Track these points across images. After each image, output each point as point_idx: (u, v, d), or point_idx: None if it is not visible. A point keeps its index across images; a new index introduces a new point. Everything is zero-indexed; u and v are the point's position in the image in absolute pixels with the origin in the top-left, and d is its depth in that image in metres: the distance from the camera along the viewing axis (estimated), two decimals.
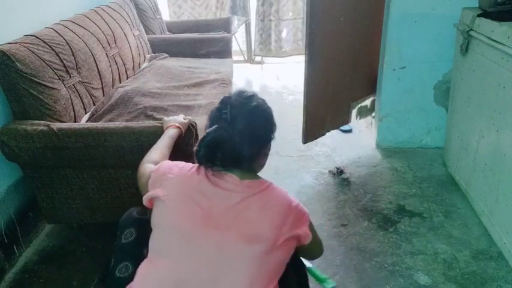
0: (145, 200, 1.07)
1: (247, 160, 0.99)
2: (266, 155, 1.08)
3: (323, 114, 2.42)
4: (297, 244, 1.01)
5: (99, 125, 1.63)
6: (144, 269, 0.97)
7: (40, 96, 1.64)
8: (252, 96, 1.05)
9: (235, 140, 0.97)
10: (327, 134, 2.53)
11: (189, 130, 1.52)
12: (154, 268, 0.94)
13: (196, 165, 1.03)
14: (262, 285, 0.90)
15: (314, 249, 1.12)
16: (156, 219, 1.00)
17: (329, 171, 2.33)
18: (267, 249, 0.91)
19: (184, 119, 1.53)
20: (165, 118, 1.55)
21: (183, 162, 1.10)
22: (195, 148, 1.01)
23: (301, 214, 1.01)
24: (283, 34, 4.17)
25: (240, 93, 1.06)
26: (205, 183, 0.98)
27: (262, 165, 1.09)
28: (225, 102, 1.01)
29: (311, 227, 1.05)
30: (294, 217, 0.98)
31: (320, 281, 1.29)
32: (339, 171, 2.31)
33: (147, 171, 1.15)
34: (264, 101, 1.08)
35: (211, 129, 0.99)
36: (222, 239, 0.91)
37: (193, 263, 0.91)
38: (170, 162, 1.13)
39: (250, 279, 0.89)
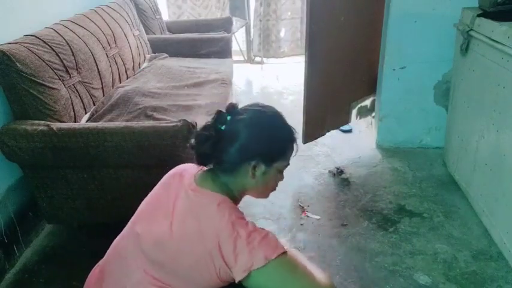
0: None
1: (221, 166, 0.97)
2: (248, 175, 0.97)
3: (323, 114, 2.42)
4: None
5: (99, 125, 1.63)
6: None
7: (40, 96, 1.64)
8: (264, 112, 1.00)
9: (215, 140, 0.95)
10: (327, 134, 2.53)
11: (190, 130, 1.52)
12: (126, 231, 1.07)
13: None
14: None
15: None
16: None
17: (329, 171, 2.33)
18: (164, 259, 0.94)
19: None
20: None
21: None
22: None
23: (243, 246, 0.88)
24: (282, 34, 4.17)
25: (254, 106, 1.02)
26: (179, 175, 1.04)
27: (245, 187, 1.00)
28: (228, 106, 0.99)
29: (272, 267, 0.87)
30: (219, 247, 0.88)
31: None
32: (339, 171, 2.31)
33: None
34: (272, 119, 1.00)
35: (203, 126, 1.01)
36: (144, 228, 0.99)
37: (124, 238, 1.06)
38: None
39: (146, 277, 0.96)
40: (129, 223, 1.06)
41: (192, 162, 1.07)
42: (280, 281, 0.88)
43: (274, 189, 1.08)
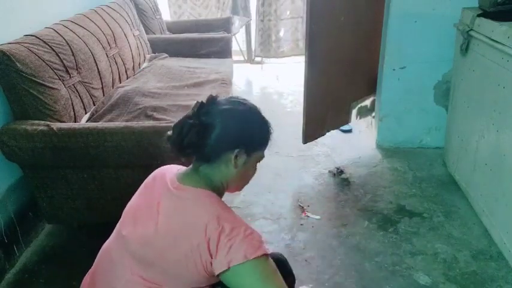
0: None
1: (203, 154, 0.97)
2: (230, 164, 0.97)
3: (323, 114, 2.42)
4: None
5: (99, 125, 1.64)
6: None
7: (40, 96, 1.64)
8: (242, 103, 1.01)
9: (197, 130, 0.95)
10: (327, 134, 2.53)
11: None
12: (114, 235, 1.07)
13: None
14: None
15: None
16: None
17: (329, 171, 2.33)
18: (150, 258, 0.94)
19: None
20: None
21: None
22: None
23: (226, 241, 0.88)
24: (281, 34, 4.17)
25: (232, 98, 1.04)
26: (157, 181, 1.03)
27: (227, 177, 0.99)
28: (208, 98, 1.00)
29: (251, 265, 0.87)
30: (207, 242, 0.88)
31: None
32: (339, 171, 2.31)
33: None
34: (256, 114, 1.02)
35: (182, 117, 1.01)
36: (129, 230, 0.99)
37: (112, 241, 1.06)
38: None
39: (133, 278, 0.97)
40: (116, 227, 1.07)
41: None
42: (255, 282, 0.88)
43: (248, 182, 1.09)
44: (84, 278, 1.14)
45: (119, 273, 0.98)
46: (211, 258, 0.88)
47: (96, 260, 1.10)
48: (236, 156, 0.97)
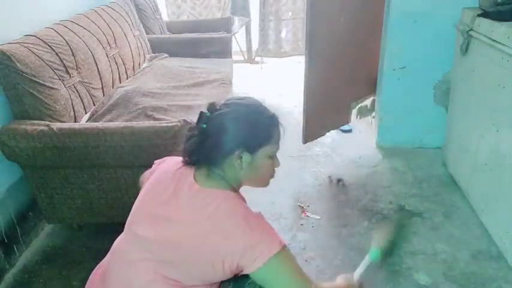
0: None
1: (206, 160, 0.99)
2: (234, 167, 0.98)
3: (323, 114, 2.42)
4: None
5: (99, 125, 1.63)
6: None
7: (40, 96, 1.64)
8: (234, 103, 1.02)
9: (200, 138, 0.98)
10: (327, 134, 2.53)
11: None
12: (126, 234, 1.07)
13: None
14: None
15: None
16: None
17: (328, 177, 2.29)
18: (174, 259, 0.95)
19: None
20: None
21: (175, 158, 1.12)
22: None
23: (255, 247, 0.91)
24: (283, 34, 4.17)
25: (232, 99, 1.04)
26: (171, 171, 1.04)
27: (237, 178, 1.01)
28: (209, 105, 1.01)
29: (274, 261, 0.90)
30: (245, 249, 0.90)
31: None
32: (338, 181, 2.25)
33: None
34: (248, 109, 1.01)
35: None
36: (149, 236, 0.98)
37: (125, 242, 1.05)
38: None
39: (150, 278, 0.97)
40: (128, 224, 1.06)
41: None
42: (286, 273, 0.93)
43: (273, 176, 1.08)
44: (95, 270, 1.13)
45: (140, 273, 0.98)
46: (239, 258, 0.90)
47: (108, 260, 1.09)
48: (240, 158, 0.97)
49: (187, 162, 1.01)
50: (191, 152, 0.99)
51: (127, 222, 1.06)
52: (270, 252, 0.89)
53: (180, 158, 1.05)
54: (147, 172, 1.19)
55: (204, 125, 0.97)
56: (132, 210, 1.07)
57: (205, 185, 0.98)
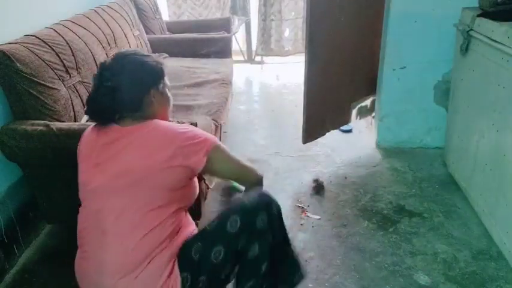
0: None
1: (128, 109, 1.13)
2: (153, 103, 1.16)
3: (323, 114, 2.42)
4: (192, 172, 1.14)
5: None
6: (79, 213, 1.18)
7: (40, 96, 1.64)
8: (126, 55, 1.17)
9: (111, 95, 1.10)
10: (327, 134, 2.53)
11: None
12: (82, 211, 1.17)
13: (92, 124, 1.20)
14: (141, 208, 1.07)
15: (235, 173, 1.27)
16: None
17: (314, 181, 2.19)
18: (131, 181, 1.07)
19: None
20: None
21: (83, 133, 1.24)
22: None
23: (192, 145, 1.11)
24: (286, 34, 4.18)
25: (117, 55, 1.18)
26: (94, 138, 1.16)
27: (155, 113, 1.18)
28: (100, 66, 1.16)
29: (214, 153, 1.14)
30: (179, 150, 1.09)
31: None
32: (318, 185, 2.16)
33: None
34: (140, 55, 1.19)
35: (90, 92, 1.18)
36: (103, 180, 1.09)
37: (87, 201, 1.14)
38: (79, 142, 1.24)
39: (122, 205, 1.07)
40: (83, 206, 1.16)
41: None
42: (228, 159, 1.21)
43: (171, 108, 1.28)
44: (77, 264, 1.18)
45: (107, 222, 1.07)
46: (188, 160, 1.09)
47: (84, 242, 1.15)
48: (153, 96, 1.16)
49: (107, 120, 1.14)
50: (108, 109, 1.12)
51: (82, 197, 1.16)
52: (210, 146, 1.12)
53: (90, 126, 1.20)
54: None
55: (109, 83, 1.10)
56: (80, 189, 1.16)
57: (132, 124, 1.13)
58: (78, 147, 1.22)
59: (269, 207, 1.15)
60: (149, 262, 1.05)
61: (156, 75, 1.19)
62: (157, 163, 1.07)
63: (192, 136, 1.12)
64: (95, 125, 1.18)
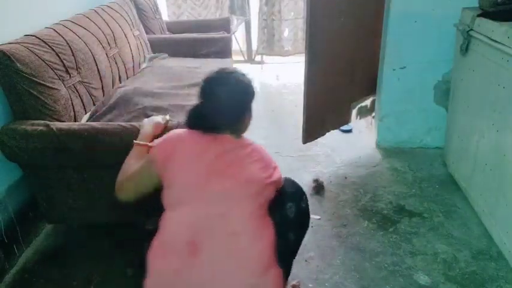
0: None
1: (234, 124, 1.23)
2: (250, 118, 1.28)
3: (323, 114, 2.42)
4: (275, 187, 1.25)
5: (99, 125, 1.63)
6: (166, 216, 1.16)
7: (40, 96, 1.64)
8: (231, 73, 1.26)
9: (220, 110, 1.19)
10: (327, 134, 2.53)
11: None
12: (175, 211, 1.15)
13: (186, 130, 1.25)
14: (258, 214, 1.17)
15: None
16: (167, 182, 1.19)
17: (314, 181, 2.20)
18: (258, 189, 1.17)
19: (164, 119, 1.57)
20: (143, 122, 1.55)
21: (176, 134, 1.26)
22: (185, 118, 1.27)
23: (276, 172, 1.25)
24: (285, 34, 4.18)
25: (220, 72, 1.26)
26: (200, 142, 1.21)
27: (246, 127, 1.29)
28: (208, 81, 1.23)
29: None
30: (273, 170, 1.24)
31: None
32: (318, 186, 2.17)
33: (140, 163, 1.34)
34: (243, 75, 1.27)
35: (197, 104, 1.25)
36: (233, 185, 1.16)
37: (205, 204, 1.14)
38: (168, 141, 1.25)
39: (251, 210, 1.15)
40: (183, 202, 1.16)
41: None
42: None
43: None
44: (155, 247, 1.14)
45: (238, 224, 1.14)
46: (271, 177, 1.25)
47: (187, 232, 1.13)
48: (248, 115, 1.27)
49: (211, 130, 1.21)
50: (218, 120, 1.20)
51: (179, 200, 1.16)
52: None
53: (183, 131, 1.25)
54: (158, 151, 1.24)
55: (221, 97, 1.20)
56: (176, 190, 1.17)
57: (238, 139, 1.24)
58: (167, 146, 1.23)
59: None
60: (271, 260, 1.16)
61: (254, 96, 1.29)
62: (268, 178, 1.20)
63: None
64: (191, 131, 1.24)
